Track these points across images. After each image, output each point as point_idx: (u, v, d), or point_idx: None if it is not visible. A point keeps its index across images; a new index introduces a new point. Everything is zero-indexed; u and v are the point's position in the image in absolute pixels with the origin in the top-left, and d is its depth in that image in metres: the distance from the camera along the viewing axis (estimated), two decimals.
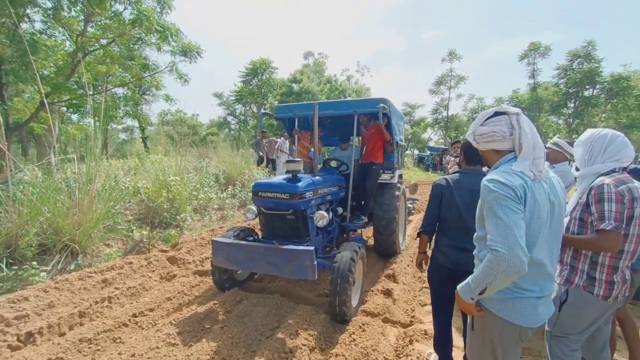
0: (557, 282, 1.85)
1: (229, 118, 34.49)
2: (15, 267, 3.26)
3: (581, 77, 25.46)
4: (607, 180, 1.68)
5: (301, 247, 2.70)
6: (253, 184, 3.27)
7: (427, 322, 2.85)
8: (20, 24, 5.77)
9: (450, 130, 36.56)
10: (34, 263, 3.31)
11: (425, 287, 3.63)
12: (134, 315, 2.82)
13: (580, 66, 26.06)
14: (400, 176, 5.31)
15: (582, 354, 1.97)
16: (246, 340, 2.50)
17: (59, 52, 6.05)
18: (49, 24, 6.07)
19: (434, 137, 41.59)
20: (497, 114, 1.44)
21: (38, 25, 6.17)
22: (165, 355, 2.30)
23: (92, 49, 6.28)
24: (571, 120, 27.67)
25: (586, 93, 26.56)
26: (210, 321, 2.78)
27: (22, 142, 9.50)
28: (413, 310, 3.15)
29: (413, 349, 2.49)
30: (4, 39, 4.74)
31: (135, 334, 2.62)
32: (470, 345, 1.55)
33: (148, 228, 4.77)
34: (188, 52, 6.71)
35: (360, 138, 4.53)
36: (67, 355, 2.26)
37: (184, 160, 7.34)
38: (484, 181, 1.35)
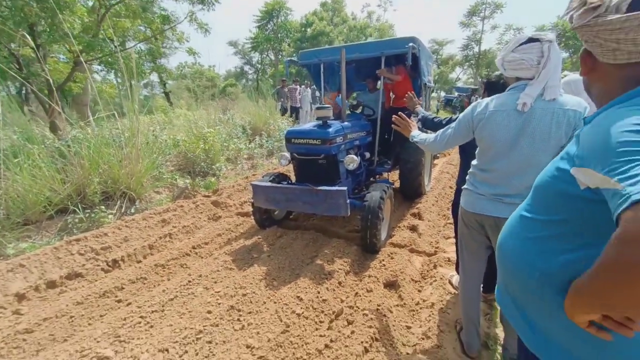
0: None
1: (246, 68, 33.60)
2: (88, 211, 3.81)
3: None
4: None
5: (335, 188, 2.95)
6: (286, 131, 3.46)
7: (450, 252, 3.14)
8: None
9: (481, 68, 33.83)
10: (102, 207, 3.84)
11: (449, 223, 3.88)
12: (193, 248, 3.31)
13: None
14: None
15: None
16: (290, 265, 2.93)
17: (82, 9, 6.07)
18: None
19: (462, 77, 38.87)
20: (530, 40, 1.42)
21: None
22: (225, 277, 2.77)
23: (113, 2, 6.23)
24: None
25: None
26: (257, 252, 3.22)
27: (59, 102, 10.01)
28: (437, 243, 3.43)
29: (437, 272, 2.82)
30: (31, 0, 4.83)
31: (197, 261, 3.12)
32: None
33: (190, 177, 5.22)
34: None
35: (382, 82, 4.47)
36: (148, 276, 2.79)
37: (211, 113, 7.59)
38: None
